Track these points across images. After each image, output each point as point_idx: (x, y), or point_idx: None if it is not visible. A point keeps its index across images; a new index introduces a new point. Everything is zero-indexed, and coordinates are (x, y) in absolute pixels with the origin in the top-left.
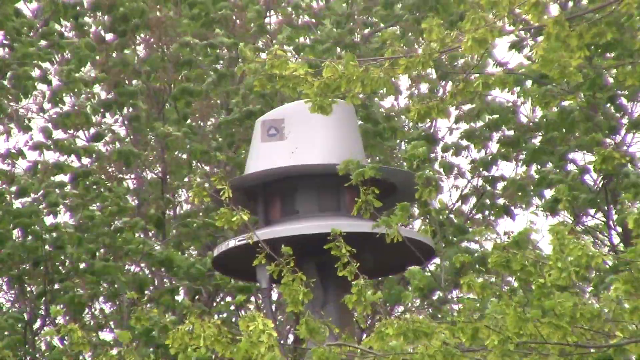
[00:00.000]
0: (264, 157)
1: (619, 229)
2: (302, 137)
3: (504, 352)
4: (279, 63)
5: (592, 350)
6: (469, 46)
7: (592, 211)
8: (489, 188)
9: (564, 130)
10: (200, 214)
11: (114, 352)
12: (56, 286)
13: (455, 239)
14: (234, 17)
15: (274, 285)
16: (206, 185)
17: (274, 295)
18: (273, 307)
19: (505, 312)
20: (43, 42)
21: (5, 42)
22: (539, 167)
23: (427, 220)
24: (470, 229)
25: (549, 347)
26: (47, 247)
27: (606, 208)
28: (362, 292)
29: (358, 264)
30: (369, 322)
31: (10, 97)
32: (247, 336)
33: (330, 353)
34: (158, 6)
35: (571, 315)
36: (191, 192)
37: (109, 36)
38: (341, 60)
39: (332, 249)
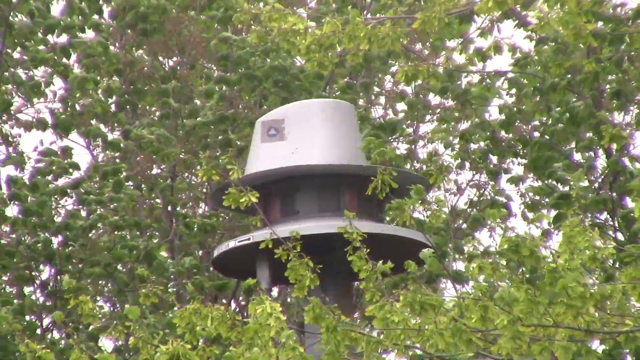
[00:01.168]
0: (264, 157)
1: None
2: (302, 137)
3: (514, 333)
4: (277, 16)
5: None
6: (488, 7)
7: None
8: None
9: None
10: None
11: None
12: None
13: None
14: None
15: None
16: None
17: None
18: None
19: (516, 294)
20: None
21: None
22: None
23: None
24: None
25: (558, 332)
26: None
27: (612, 207)
28: (371, 277)
29: (368, 250)
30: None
31: (21, 97)
32: (255, 319)
33: (340, 332)
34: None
35: (582, 296)
36: (200, 172)
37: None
38: (343, 17)
39: (345, 233)
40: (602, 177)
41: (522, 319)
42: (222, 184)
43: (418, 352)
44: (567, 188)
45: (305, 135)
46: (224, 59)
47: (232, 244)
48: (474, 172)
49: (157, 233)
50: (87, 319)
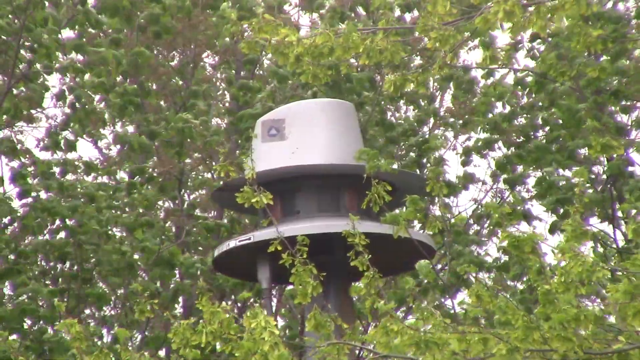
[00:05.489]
0: (264, 157)
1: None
2: (302, 137)
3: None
4: (268, 28)
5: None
6: (499, 17)
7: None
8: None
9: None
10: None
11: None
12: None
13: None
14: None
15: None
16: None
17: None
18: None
19: (512, 322)
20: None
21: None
22: (542, 172)
23: (434, 218)
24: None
25: (551, 352)
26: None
27: (611, 211)
28: (372, 285)
29: (370, 256)
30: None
31: (29, 103)
32: (249, 333)
33: (336, 349)
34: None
35: (575, 318)
36: (217, 167)
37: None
38: (336, 28)
39: (348, 237)
40: (603, 178)
41: (520, 347)
42: (223, 184)
43: None
44: (564, 190)
45: (306, 135)
46: (250, 63)
47: (232, 243)
48: (493, 181)
49: (164, 235)
50: (75, 342)
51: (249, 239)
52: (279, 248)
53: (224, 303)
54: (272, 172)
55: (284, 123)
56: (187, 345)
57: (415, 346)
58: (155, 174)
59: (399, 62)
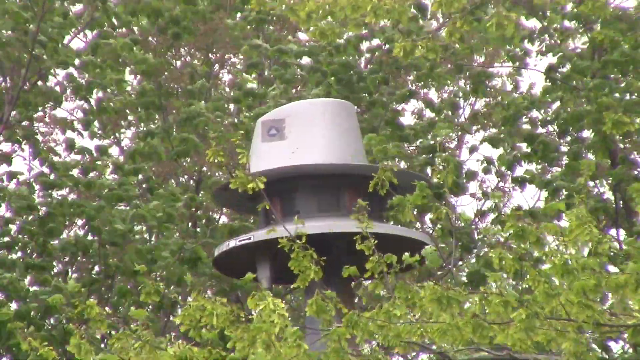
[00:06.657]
0: (264, 157)
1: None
2: (302, 137)
3: (528, 326)
4: None
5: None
6: None
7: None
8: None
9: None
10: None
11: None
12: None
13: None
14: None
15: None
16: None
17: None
18: None
19: (533, 287)
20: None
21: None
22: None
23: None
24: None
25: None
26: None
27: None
28: (376, 269)
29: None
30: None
31: (50, 103)
32: (258, 316)
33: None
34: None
35: (596, 287)
36: (209, 152)
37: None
38: None
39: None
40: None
41: (539, 313)
42: (224, 183)
43: (420, 349)
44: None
45: (306, 135)
46: (254, 67)
47: (232, 243)
48: (499, 179)
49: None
50: (94, 324)
51: (249, 238)
52: (276, 239)
53: (218, 298)
54: (272, 172)
55: (283, 123)
56: (197, 327)
57: (436, 302)
58: (154, 176)
59: (406, 24)
